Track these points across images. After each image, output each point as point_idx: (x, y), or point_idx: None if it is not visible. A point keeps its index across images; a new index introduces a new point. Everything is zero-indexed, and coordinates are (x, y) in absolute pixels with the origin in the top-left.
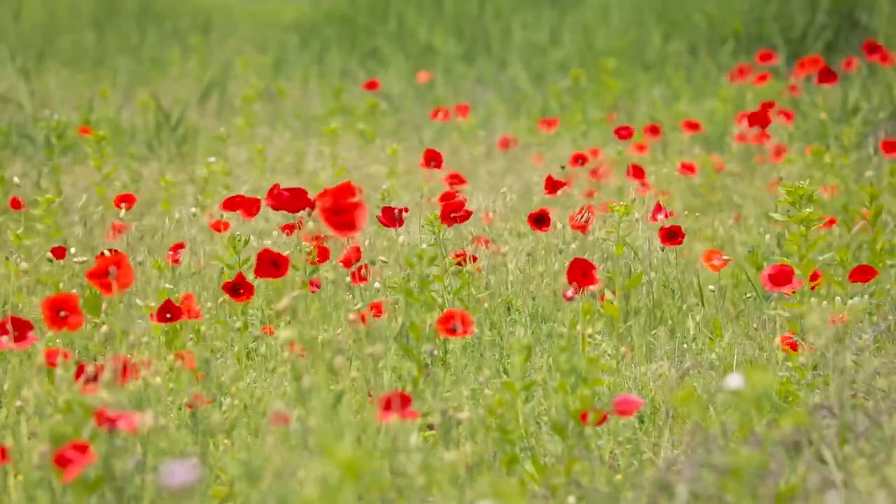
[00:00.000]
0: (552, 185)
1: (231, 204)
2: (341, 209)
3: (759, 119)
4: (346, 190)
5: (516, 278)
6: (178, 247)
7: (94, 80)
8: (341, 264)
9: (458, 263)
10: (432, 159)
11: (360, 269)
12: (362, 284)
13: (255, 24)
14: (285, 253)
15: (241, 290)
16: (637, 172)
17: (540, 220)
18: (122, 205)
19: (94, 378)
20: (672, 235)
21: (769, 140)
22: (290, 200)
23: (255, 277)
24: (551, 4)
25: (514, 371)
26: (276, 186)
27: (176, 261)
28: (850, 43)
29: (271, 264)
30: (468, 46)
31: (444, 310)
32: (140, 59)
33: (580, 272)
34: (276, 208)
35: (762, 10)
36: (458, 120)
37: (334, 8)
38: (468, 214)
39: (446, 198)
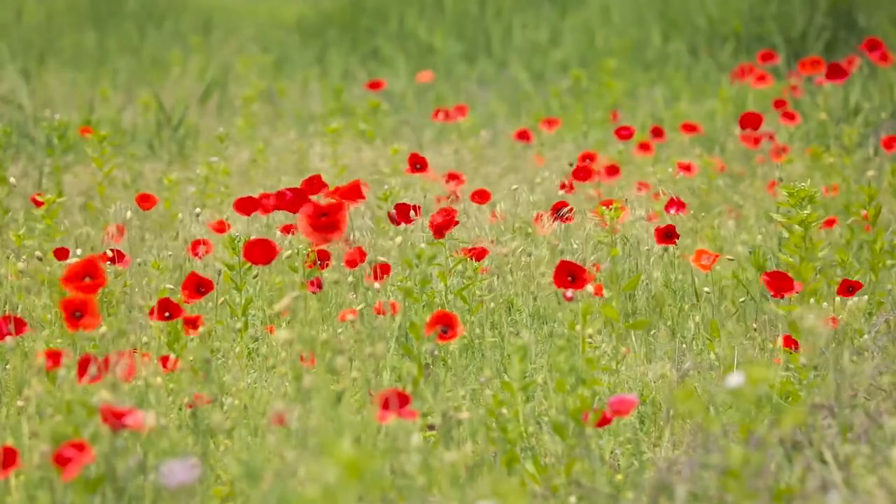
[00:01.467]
0: (582, 173)
1: (242, 205)
2: (324, 212)
3: (752, 121)
4: (355, 189)
5: (517, 278)
6: (198, 243)
7: (95, 81)
8: (344, 265)
9: (468, 254)
10: (417, 163)
11: (375, 267)
12: (375, 284)
13: (256, 23)
14: (286, 253)
15: (203, 288)
16: (613, 171)
17: (560, 212)
18: (129, 206)
19: (97, 376)
20: (667, 235)
21: (767, 140)
22: (292, 200)
23: (248, 262)
24: (552, 4)
25: (513, 371)
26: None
27: (196, 255)
28: (850, 43)
29: (261, 250)
30: (469, 46)
31: (439, 311)
32: (141, 59)
33: (567, 274)
34: (279, 208)
35: (762, 10)
36: (458, 120)
37: (335, 8)
38: (454, 223)
39: (444, 213)
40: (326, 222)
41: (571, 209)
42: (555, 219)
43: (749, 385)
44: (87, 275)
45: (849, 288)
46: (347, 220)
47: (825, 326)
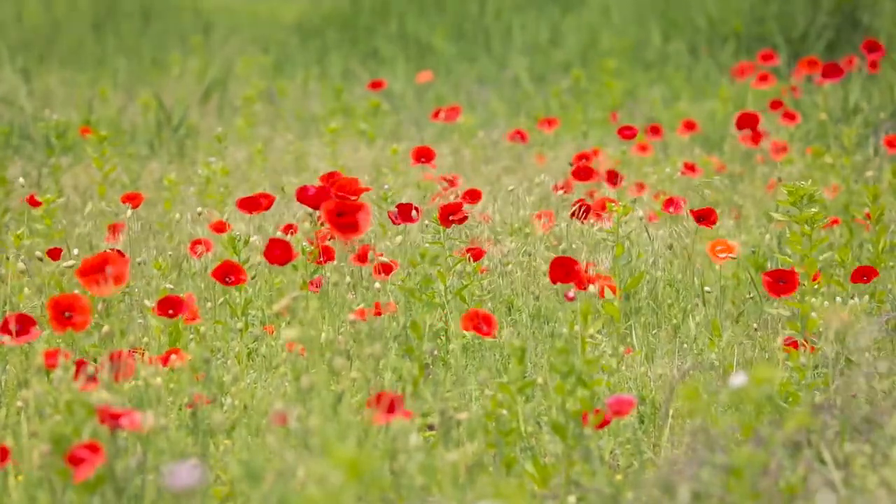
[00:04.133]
0: (583, 173)
1: (245, 203)
2: (345, 211)
3: (748, 121)
4: (352, 182)
5: (517, 278)
6: (197, 242)
7: (95, 81)
8: (349, 263)
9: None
10: (423, 156)
11: (381, 265)
12: (376, 283)
13: (256, 24)
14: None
15: (232, 278)
16: (612, 176)
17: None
18: (128, 204)
19: (94, 378)
20: (703, 217)
21: (766, 138)
22: (315, 197)
23: (267, 262)
24: (552, 4)
25: (511, 373)
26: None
27: (196, 254)
28: (852, 43)
29: (280, 251)
30: (469, 46)
31: (457, 308)
32: (141, 59)
33: (563, 271)
34: (302, 202)
35: (763, 9)
36: (458, 120)
37: (335, 8)
38: (464, 217)
39: (451, 206)
40: (346, 222)
41: (588, 207)
42: (573, 217)
43: (754, 386)
44: (105, 269)
45: (863, 276)
46: (369, 221)
47: (835, 323)
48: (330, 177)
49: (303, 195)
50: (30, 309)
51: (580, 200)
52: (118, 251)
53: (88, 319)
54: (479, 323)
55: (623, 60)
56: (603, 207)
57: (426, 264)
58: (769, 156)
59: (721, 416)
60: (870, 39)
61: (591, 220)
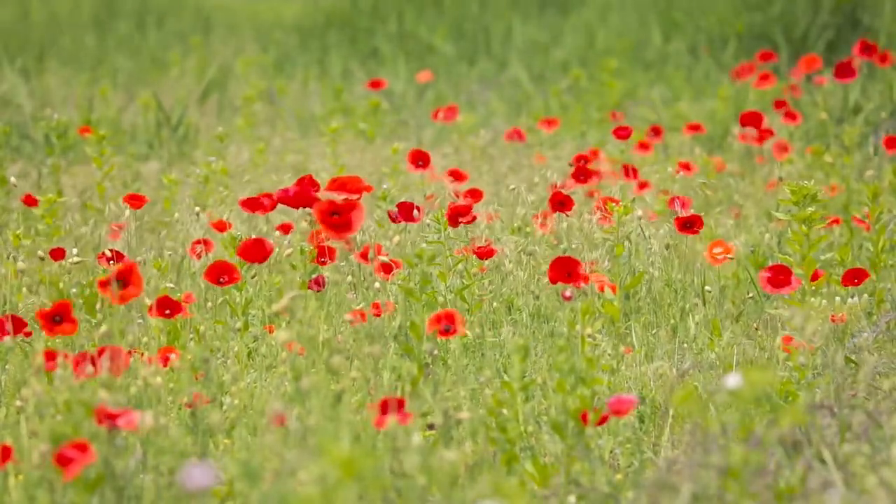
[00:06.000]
0: (582, 174)
1: (249, 203)
2: (338, 210)
3: (752, 119)
4: (354, 181)
5: (517, 277)
6: (197, 242)
7: (95, 80)
8: (352, 261)
9: (478, 252)
10: (419, 159)
11: (378, 266)
12: (376, 283)
13: (256, 23)
14: (286, 252)
15: (226, 278)
16: (632, 173)
17: (562, 204)
18: (127, 205)
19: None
20: (688, 225)
21: (771, 137)
22: (295, 197)
23: (241, 260)
24: (552, 4)
25: (513, 371)
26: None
27: (197, 255)
28: (852, 43)
29: (255, 249)
30: (469, 46)
31: (443, 309)
32: (140, 59)
33: (564, 272)
34: (283, 203)
35: (764, 9)
36: (458, 120)
37: (335, 8)
38: (473, 218)
39: (460, 208)
40: (339, 221)
41: (572, 200)
42: (555, 210)
43: (748, 387)
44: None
45: (854, 278)
46: (362, 219)
47: (822, 326)
48: (302, 181)
49: (284, 197)
50: (29, 309)
51: (560, 194)
52: (118, 252)
53: (76, 325)
54: (443, 325)
55: (623, 60)
56: (604, 205)
57: (424, 264)
58: (771, 155)
59: (720, 415)
60: (864, 40)
61: (592, 219)
